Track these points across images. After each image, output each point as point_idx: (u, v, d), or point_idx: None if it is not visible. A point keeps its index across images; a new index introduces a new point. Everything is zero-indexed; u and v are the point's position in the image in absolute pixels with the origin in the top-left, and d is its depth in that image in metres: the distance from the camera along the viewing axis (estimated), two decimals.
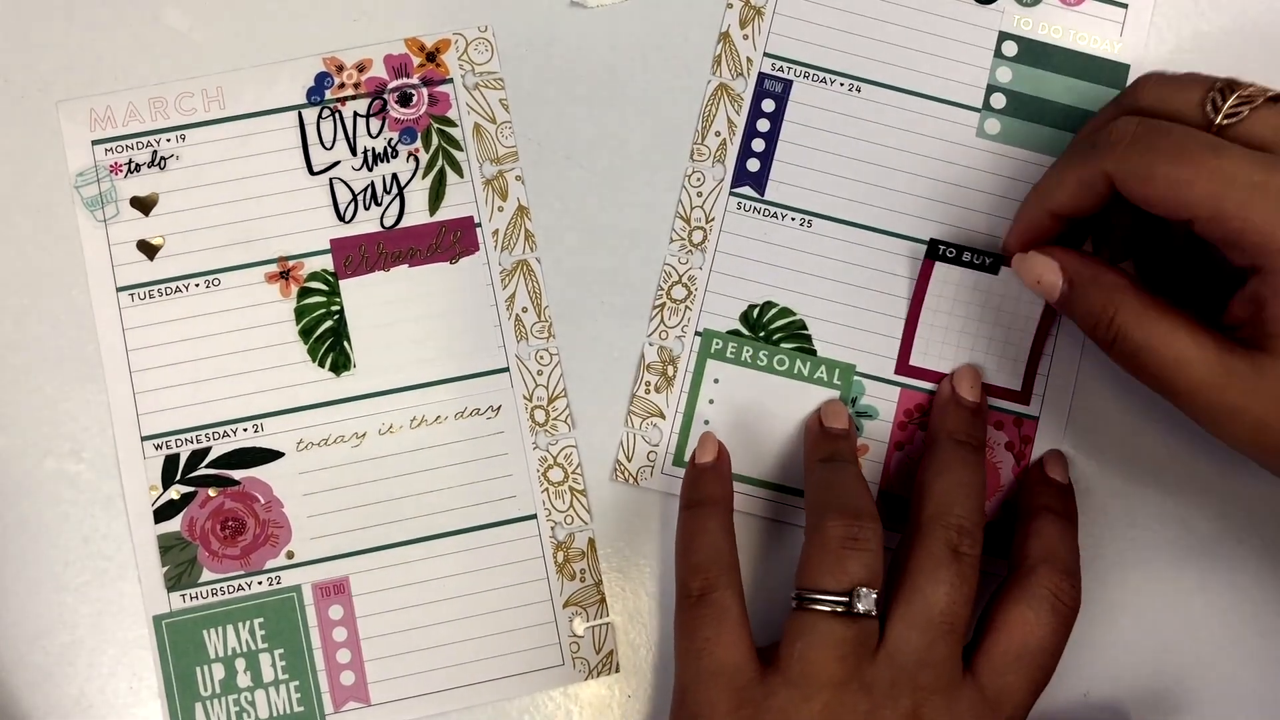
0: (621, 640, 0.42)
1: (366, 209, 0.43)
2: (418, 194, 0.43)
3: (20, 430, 0.42)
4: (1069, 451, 0.43)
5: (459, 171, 0.43)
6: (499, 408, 0.43)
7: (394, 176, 0.43)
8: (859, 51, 0.44)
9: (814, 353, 0.43)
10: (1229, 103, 0.35)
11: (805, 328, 0.43)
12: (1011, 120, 0.44)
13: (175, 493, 0.42)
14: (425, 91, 0.44)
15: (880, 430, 0.43)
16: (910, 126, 0.44)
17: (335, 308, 0.43)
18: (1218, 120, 0.35)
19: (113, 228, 0.43)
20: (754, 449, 0.43)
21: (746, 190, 0.44)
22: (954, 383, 0.42)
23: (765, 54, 0.44)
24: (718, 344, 0.43)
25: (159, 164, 0.43)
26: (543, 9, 0.44)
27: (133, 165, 0.43)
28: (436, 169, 0.43)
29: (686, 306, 0.43)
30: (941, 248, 0.43)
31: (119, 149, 0.43)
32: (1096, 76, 0.44)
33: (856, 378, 0.43)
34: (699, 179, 0.43)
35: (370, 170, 0.43)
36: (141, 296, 0.42)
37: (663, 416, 0.43)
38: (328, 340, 0.43)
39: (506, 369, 0.43)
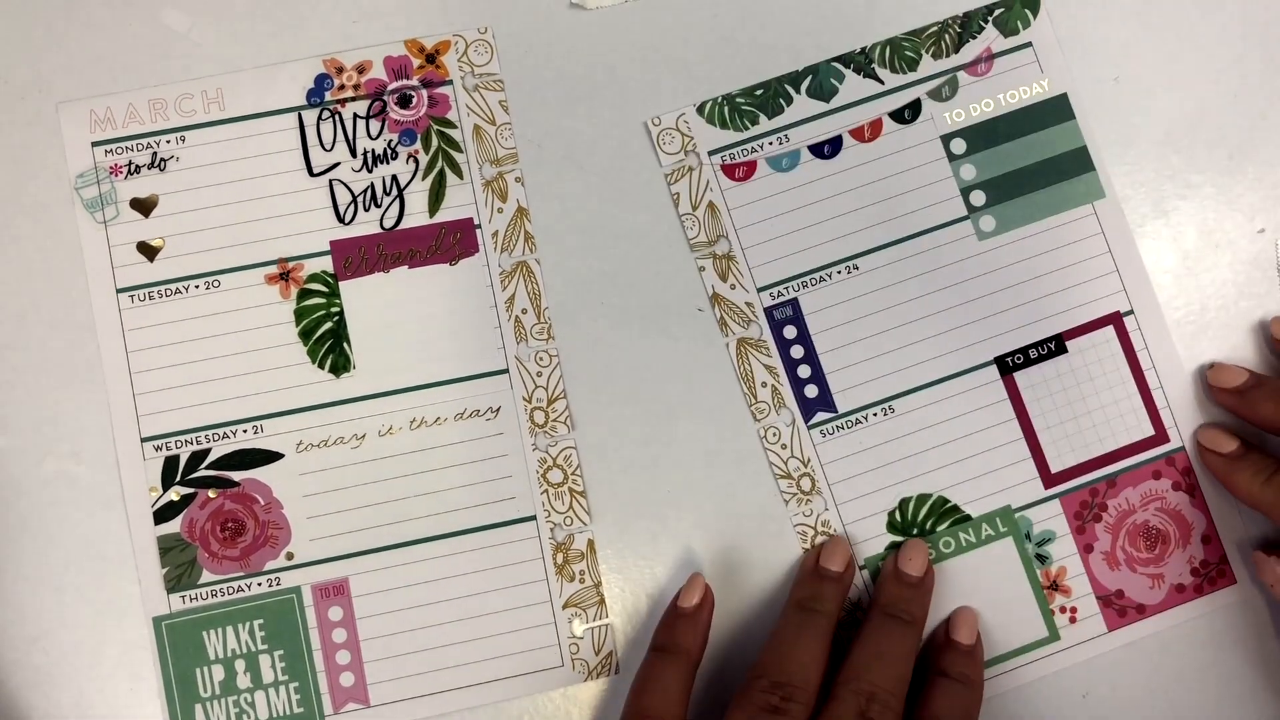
0: (621, 642, 0.42)
1: (366, 210, 0.43)
2: (417, 195, 0.43)
3: (20, 431, 0.42)
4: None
5: (459, 173, 0.43)
6: (498, 409, 0.43)
7: (394, 178, 0.43)
8: (837, 234, 0.43)
9: (969, 517, 0.43)
10: None
11: (948, 500, 0.43)
12: (1001, 208, 0.44)
13: (175, 494, 0.42)
14: (425, 93, 0.44)
15: (1066, 546, 0.43)
16: (921, 270, 0.43)
17: (335, 309, 0.43)
18: None
19: (113, 229, 0.43)
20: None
21: (820, 416, 0.43)
22: (898, 557, 0.42)
23: (759, 289, 0.43)
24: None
25: (159, 165, 0.43)
26: (543, 10, 0.44)
27: (133, 167, 0.43)
28: (436, 170, 0.43)
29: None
30: (1009, 359, 0.43)
31: (119, 150, 0.43)
32: (1045, 121, 0.44)
33: (1018, 515, 0.43)
34: (775, 434, 0.43)
35: (370, 172, 0.43)
36: (141, 298, 0.42)
37: None
38: (327, 342, 0.43)
39: (506, 370, 0.43)
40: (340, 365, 0.43)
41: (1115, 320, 0.43)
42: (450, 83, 0.44)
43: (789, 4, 0.44)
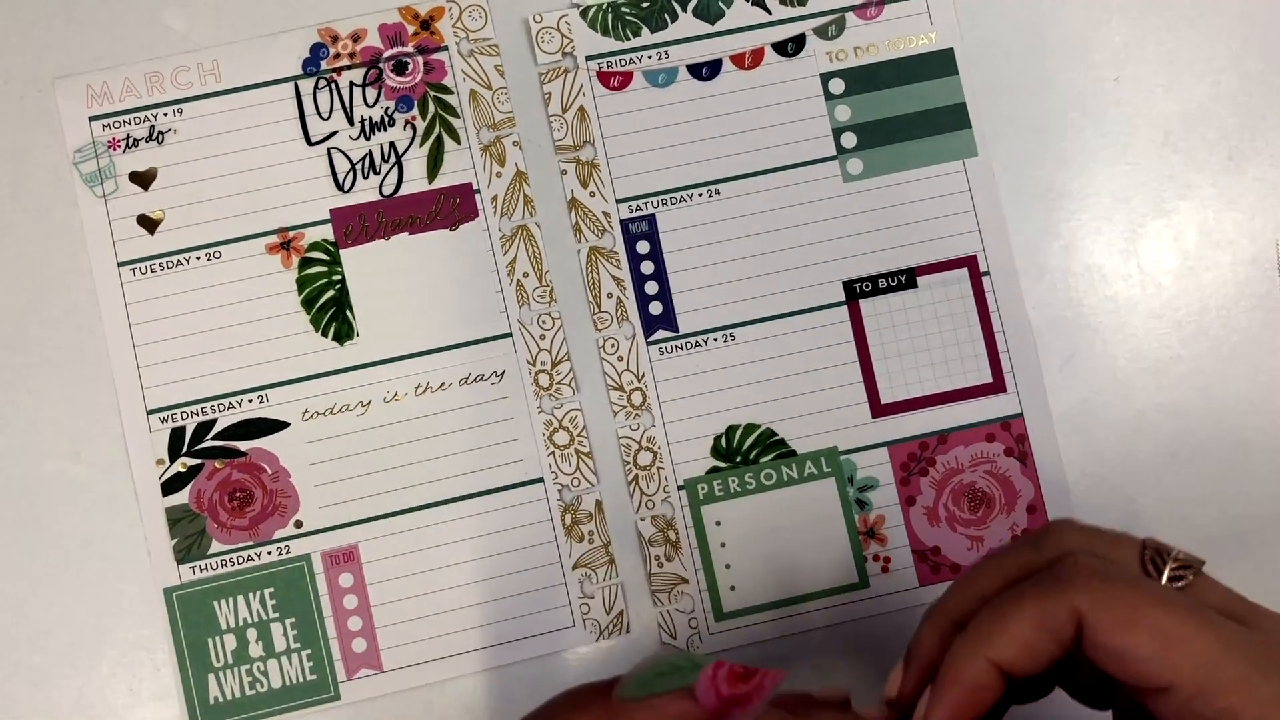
0: (632, 602, 0.42)
1: (365, 178, 0.43)
2: (415, 162, 0.43)
3: (20, 431, 0.42)
4: (1064, 446, 0.43)
5: (456, 138, 0.43)
6: (503, 373, 0.43)
7: (391, 145, 0.43)
8: (703, 157, 0.43)
9: (794, 453, 0.43)
10: (1168, 566, 0.30)
11: (775, 433, 0.43)
12: (870, 153, 0.44)
13: (182, 465, 0.42)
14: (420, 59, 0.44)
15: (888, 495, 0.43)
16: (782, 203, 0.43)
17: (337, 277, 0.43)
18: (1162, 583, 0.30)
19: (112, 203, 0.43)
20: (779, 570, 0.42)
21: (661, 334, 0.43)
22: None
23: (618, 201, 0.43)
24: (703, 489, 0.43)
25: (157, 138, 0.43)
26: None
27: (130, 140, 0.43)
28: (434, 136, 0.43)
29: (658, 468, 0.43)
30: (857, 286, 0.43)
31: (116, 124, 0.43)
32: (927, 73, 0.44)
33: (843, 458, 0.43)
34: (613, 345, 0.43)
35: (368, 139, 0.43)
36: (143, 271, 0.42)
37: (686, 581, 0.42)
38: (330, 310, 0.43)
39: (509, 334, 0.43)
40: (344, 333, 0.43)
41: (970, 263, 0.43)
42: (445, 48, 0.44)
43: None
